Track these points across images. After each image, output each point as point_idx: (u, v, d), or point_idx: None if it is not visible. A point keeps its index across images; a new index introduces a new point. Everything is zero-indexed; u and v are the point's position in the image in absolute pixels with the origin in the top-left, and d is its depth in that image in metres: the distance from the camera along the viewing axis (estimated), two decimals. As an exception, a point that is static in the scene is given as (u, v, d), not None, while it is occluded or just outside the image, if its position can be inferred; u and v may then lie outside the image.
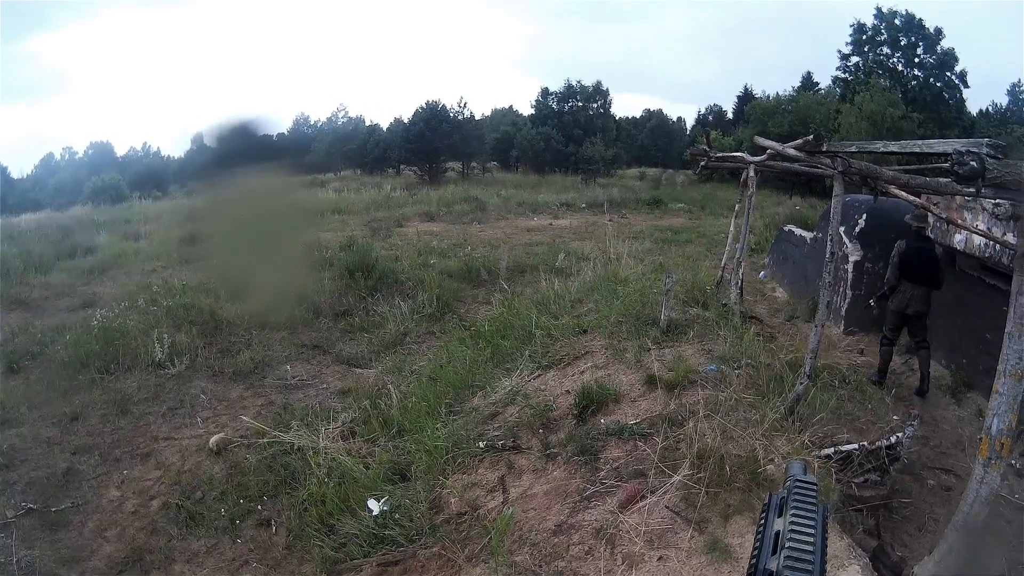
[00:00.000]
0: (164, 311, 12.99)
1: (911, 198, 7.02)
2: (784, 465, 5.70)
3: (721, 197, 34.67)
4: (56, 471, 8.38)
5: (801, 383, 7.51)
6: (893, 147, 6.57)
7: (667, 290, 9.53)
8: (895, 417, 8.23)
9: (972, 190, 4.66)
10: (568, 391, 7.97)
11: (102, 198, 38.02)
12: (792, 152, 8.24)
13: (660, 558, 5.29)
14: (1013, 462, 7.44)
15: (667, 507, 5.67)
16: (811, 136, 7.77)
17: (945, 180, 8.08)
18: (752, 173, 11.99)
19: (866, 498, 6.50)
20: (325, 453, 8.37)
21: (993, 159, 4.21)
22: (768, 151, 9.99)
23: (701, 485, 5.74)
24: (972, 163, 4.10)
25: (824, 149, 7.49)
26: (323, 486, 7.70)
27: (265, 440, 9.04)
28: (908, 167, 9.87)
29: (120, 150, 70.56)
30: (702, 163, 13.98)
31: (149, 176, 56.26)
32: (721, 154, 13.01)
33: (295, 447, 8.78)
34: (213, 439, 9.21)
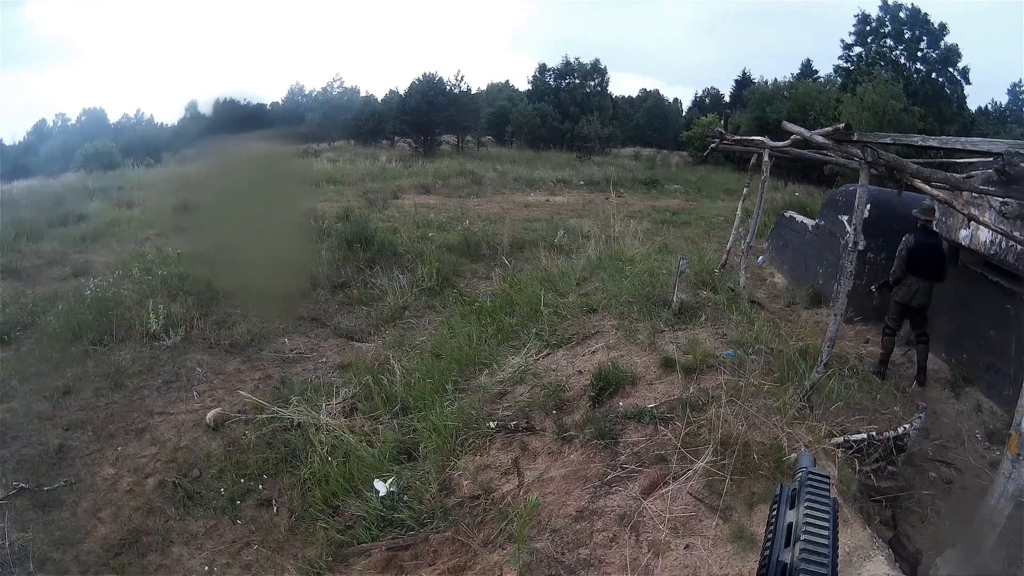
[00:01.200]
0: (159, 280, 12.87)
1: (936, 192, 6.90)
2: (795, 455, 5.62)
3: (716, 181, 35.11)
4: (48, 448, 8.17)
5: (818, 372, 7.41)
6: (933, 142, 6.49)
7: (680, 272, 9.38)
8: (897, 409, 8.24)
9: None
10: (581, 371, 7.82)
11: (94, 165, 37.84)
12: (820, 139, 8.13)
13: (687, 546, 5.18)
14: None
15: (691, 494, 5.54)
16: (841, 125, 7.65)
17: (961, 176, 8.09)
18: (767, 158, 11.82)
19: (883, 488, 6.50)
20: (327, 430, 8.21)
21: None
22: (792, 136, 9.80)
23: (726, 472, 5.61)
24: (1022, 164, 4.13)
25: (854, 138, 7.37)
26: (326, 465, 7.57)
27: (264, 416, 8.87)
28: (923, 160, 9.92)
29: (113, 117, 70.37)
30: (712, 145, 13.79)
31: (142, 143, 56.02)
32: (737, 137, 12.91)
33: (295, 423, 8.63)
34: (210, 414, 9.01)
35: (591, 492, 5.84)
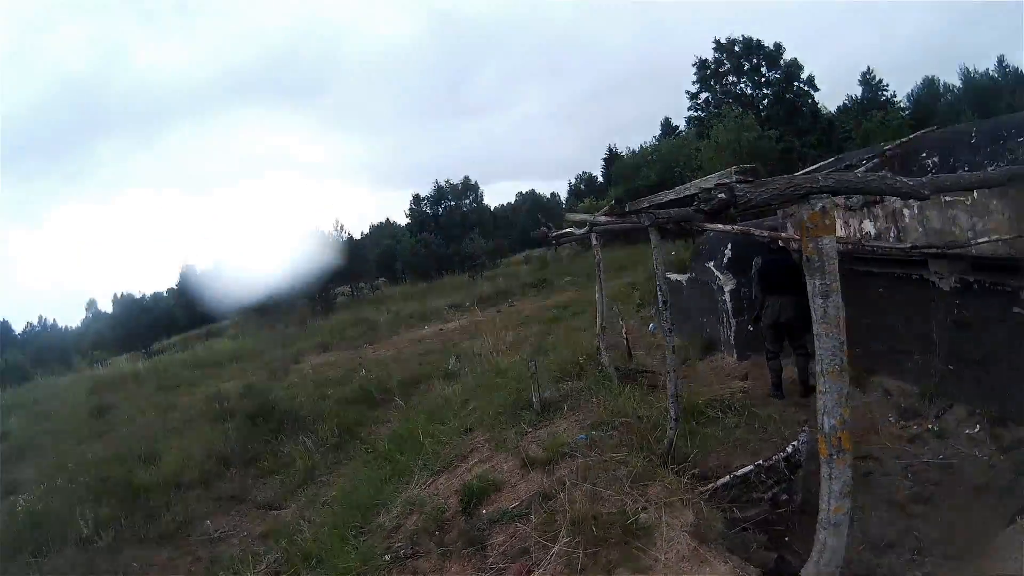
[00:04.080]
0: (83, 487, 13.36)
1: (727, 228, 7.73)
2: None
3: (607, 260, 34.44)
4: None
5: (671, 428, 7.95)
6: (671, 195, 7.21)
7: (532, 374, 10.14)
8: (783, 429, 8.85)
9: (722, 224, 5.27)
10: (457, 491, 8.43)
11: (8, 380, 37.82)
12: (604, 218, 9.00)
13: None
14: (931, 426, 8.12)
15: None
16: (613, 201, 8.53)
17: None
18: (594, 241, 12.40)
19: (748, 517, 6.86)
20: None
21: (744, 183, 4.54)
22: (588, 219, 10.53)
23: (580, 549, 6.10)
24: (720, 195, 4.42)
25: (628, 210, 8.21)
26: None
27: None
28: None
29: (18, 327, 70.09)
30: (554, 242, 14.42)
31: (51, 350, 55.73)
32: (558, 232, 13.44)
33: None
34: (150, 604, 9.67)
35: None
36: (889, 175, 5.13)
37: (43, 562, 11.03)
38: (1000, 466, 6.90)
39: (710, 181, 5.13)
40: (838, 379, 4.50)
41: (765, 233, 8.87)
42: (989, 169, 6.63)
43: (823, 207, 4.36)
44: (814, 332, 4.57)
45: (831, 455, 4.56)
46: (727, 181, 4.63)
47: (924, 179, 4.86)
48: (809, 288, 4.53)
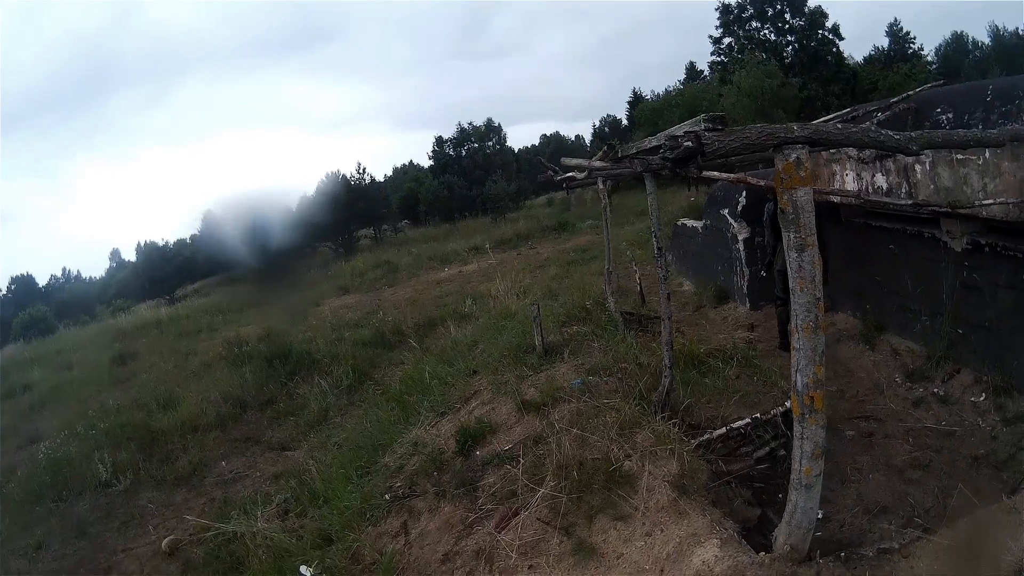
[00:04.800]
0: (103, 433, 13.77)
1: (728, 176, 7.62)
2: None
3: (628, 204, 35.00)
4: (29, 597, 9.07)
5: (666, 376, 8.01)
6: (654, 141, 7.17)
7: (534, 318, 10.23)
8: (785, 384, 8.46)
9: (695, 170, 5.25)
10: (454, 433, 8.57)
11: (32, 333, 38.26)
12: (599, 164, 8.94)
13: (530, 567, 5.83)
14: (936, 390, 7.94)
15: (538, 519, 6.19)
16: (606, 148, 8.53)
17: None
18: (601, 185, 12.82)
19: (733, 471, 6.93)
20: (263, 535, 8.92)
21: (713, 131, 4.48)
22: (585, 165, 10.15)
23: (564, 493, 6.23)
24: (687, 143, 4.32)
25: (620, 157, 8.13)
26: (262, 564, 8.26)
27: (210, 534, 9.69)
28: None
29: (42, 280, 70.61)
30: (564, 186, 14.45)
31: (74, 301, 56.33)
32: (562, 176, 13.23)
33: (237, 534, 9.36)
34: (164, 542, 9.98)
35: (456, 536, 6.66)
36: (874, 127, 5.06)
37: (64, 506, 11.44)
38: (1002, 438, 6.81)
39: (680, 129, 5.08)
40: (813, 336, 4.47)
41: (762, 182, 8.86)
42: (1006, 127, 6.45)
43: (798, 158, 4.27)
44: (790, 286, 4.52)
45: (803, 414, 4.56)
46: (695, 129, 4.59)
47: (912, 134, 4.71)
48: (784, 241, 4.50)
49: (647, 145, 7.29)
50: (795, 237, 4.37)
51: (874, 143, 4.71)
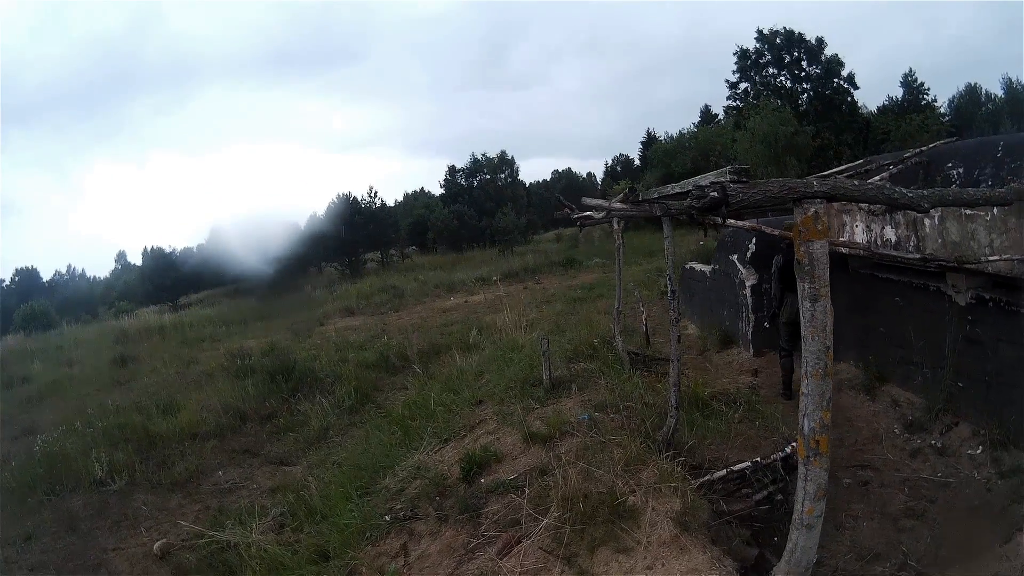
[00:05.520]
0: (100, 432, 13.73)
1: (742, 224, 7.71)
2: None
3: (635, 244, 34.96)
4: (16, 586, 9.05)
5: (672, 416, 8.06)
6: (676, 188, 7.27)
7: (543, 353, 10.27)
8: (784, 429, 8.85)
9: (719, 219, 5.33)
10: (459, 459, 8.59)
11: (33, 326, 38.34)
12: (619, 206, 9.03)
13: None
14: (934, 442, 7.99)
15: (540, 548, 6.21)
16: (627, 190, 8.60)
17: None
18: (616, 224, 12.69)
19: (734, 511, 6.98)
20: (257, 546, 8.95)
21: (738, 183, 4.59)
22: (604, 205, 10.54)
23: (567, 524, 6.24)
24: (713, 194, 4.39)
25: (641, 200, 8.23)
26: (256, 575, 8.32)
27: (203, 541, 9.67)
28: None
29: (46, 275, 70.78)
30: (578, 224, 14.41)
31: (77, 299, 56.47)
32: (579, 214, 13.25)
33: (231, 544, 9.36)
34: (156, 545, 9.95)
35: (457, 560, 6.65)
36: (888, 184, 5.13)
37: (56, 500, 11.37)
38: (997, 490, 6.85)
39: (706, 179, 5.16)
40: (821, 382, 4.53)
41: (776, 231, 8.89)
42: (1012, 186, 6.54)
43: (816, 212, 4.38)
44: (802, 334, 4.60)
45: (808, 457, 4.62)
46: (721, 180, 4.67)
47: (925, 191, 4.86)
48: (799, 291, 4.56)
49: (669, 191, 7.38)
50: (809, 288, 4.46)
51: (887, 200, 4.82)
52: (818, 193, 4.38)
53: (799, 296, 4.56)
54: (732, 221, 7.66)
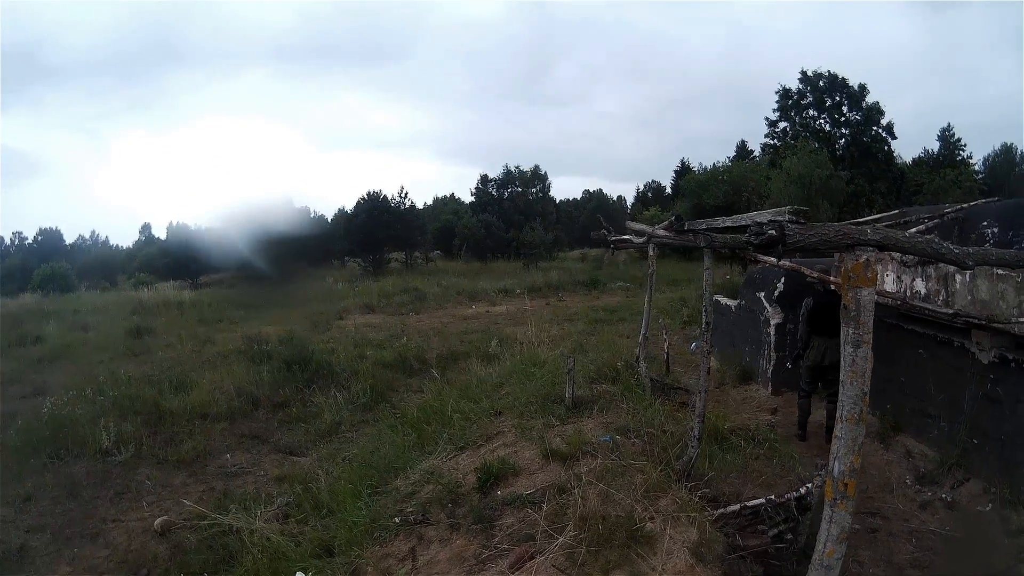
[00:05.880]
0: (110, 401, 13.66)
1: (785, 263, 7.70)
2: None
3: (661, 272, 34.34)
4: (11, 548, 8.99)
5: (693, 447, 8.06)
6: (728, 221, 7.26)
7: (568, 371, 10.18)
8: (800, 470, 8.84)
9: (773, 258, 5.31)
10: (476, 468, 8.49)
11: (50, 287, 38.43)
12: (662, 233, 9.01)
13: None
14: (944, 495, 8.07)
15: (554, 566, 6.08)
16: (673, 218, 8.55)
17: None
18: (651, 251, 12.56)
19: (749, 546, 6.89)
20: (260, 533, 8.86)
21: (795, 223, 4.52)
22: (647, 231, 10.46)
23: (583, 544, 6.15)
24: (771, 232, 4.38)
25: (686, 228, 8.00)
26: (257, 563, 8.18)
27: (205, 522, 9.58)
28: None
29: (69, 238, 71.16)
30: (611, 246, 14.28)
31: (97, 265, 56.63)
32: (617, 238, 13.30)
33: (233, 528, 9.27)
34: (157, 521, 9.82)
35: (467, 569, 6.52)
36: (936, 240, 5.18)
37: (60, 465, 11.29)
38: (1003, 549, 6.86)
39: (764, 216, 5.11)
40: (855, 427, 4.55)
41: (815, 274, 8.82)
42: None
43: (867, 260, 4.40)
44: (840, 378, 4.65)
45: (835, 499, 4.58)
46: (780, 219, 4.62)
47: (970, 249, 4.99)
48: (842, 335, 4.61)
49: (719, 223, 7.28)
50: (853, 333, 4.53)
51: (935, 254, 4.94)
52: (871, 241, 4.41)
53: (842, 340, 4.61)
54: (771, 259, 7.69)
